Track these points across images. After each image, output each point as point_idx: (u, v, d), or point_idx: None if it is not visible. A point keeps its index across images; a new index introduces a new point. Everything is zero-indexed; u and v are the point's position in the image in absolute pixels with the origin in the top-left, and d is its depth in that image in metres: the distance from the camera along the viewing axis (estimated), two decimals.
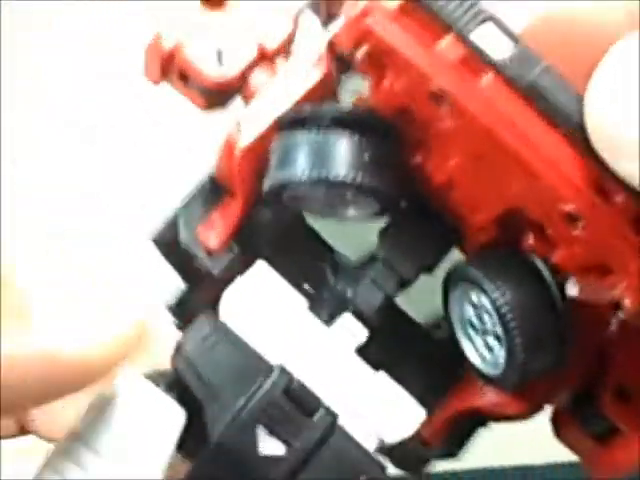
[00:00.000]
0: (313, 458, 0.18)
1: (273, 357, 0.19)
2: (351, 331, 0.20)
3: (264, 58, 0.20)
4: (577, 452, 0.20)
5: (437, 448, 0.21)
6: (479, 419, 0.21)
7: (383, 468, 0.19)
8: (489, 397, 0.19)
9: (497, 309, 0.17)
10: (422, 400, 0.20)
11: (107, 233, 0.55)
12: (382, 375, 0.20)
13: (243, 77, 0.20)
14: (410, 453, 0.21)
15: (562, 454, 0.20)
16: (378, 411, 0.19)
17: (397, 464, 0.21)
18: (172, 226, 0.20)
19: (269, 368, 0.19)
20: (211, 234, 0.20)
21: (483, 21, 0.16)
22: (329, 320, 0.19)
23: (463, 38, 0.16)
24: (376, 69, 0.17)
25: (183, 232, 0.20)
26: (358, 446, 0.19)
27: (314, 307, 0.20)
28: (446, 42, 0.16)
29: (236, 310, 0.19)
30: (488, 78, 0.16)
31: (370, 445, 0.19)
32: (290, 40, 0.20)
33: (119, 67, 0.57)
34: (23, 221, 0.53)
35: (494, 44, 0.16)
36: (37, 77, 0.57)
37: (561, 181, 0.16)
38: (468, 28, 0.16)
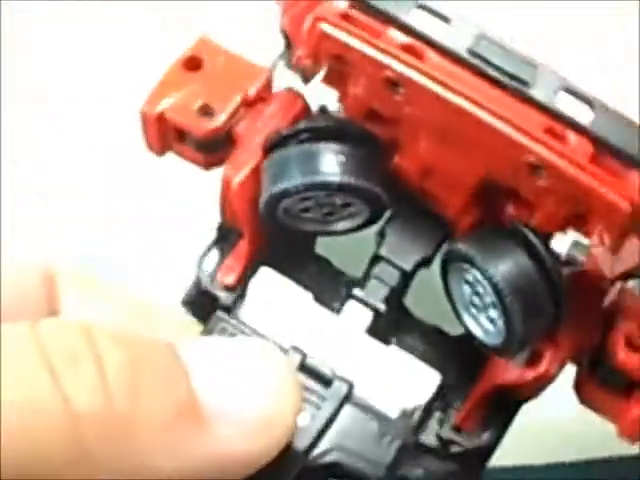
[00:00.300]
0: (334, 425, 0.20)
1: (285, 343, 0.20)
2: (357, 314, 0.21)
3: (247, 104, 0.22)
4: (602, 412, 0.22)
5: (474, 435, 0.21)
6: (509, 400, 0.21)
7: (405, 428, 0.20)
8: (510, 372, 0.21)
9: (488, 280, 0.19)
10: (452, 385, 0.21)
11: (108, 234, 0.57)
12: (393, 348, 0.21)
13: (230, 124, 0.22)
14: (448, 446, 0.21)
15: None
16: (393, 379, 0.21)
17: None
18: (197, 284, 0.22)
19: (282, 349, 0.20)
20: (228, 275, 0.22)
21: (417, 7, 0.18)
22: (337, 311, 0.21)
23: (404, 26, 0.18)
24: (339, 78, 0.19)
25: (205, 280, 0.22)
26: (377, 411, 0.20)
27: (320, 299, 0.21)
28: (390, 31, 0.18)
29: (248, 307, 0.21)
30: (431, 55, 0.18)
31: (391, 412, 0.20)
32: (269, 84, 0.22)
33: (120, 68, 0.57)
34: (23, 221, 0.54)
35: (431, 26, 0.18)
36: (37, 76, 0.57)
37: (516, 133, 0.18)
38: (405, 16, 0.18)
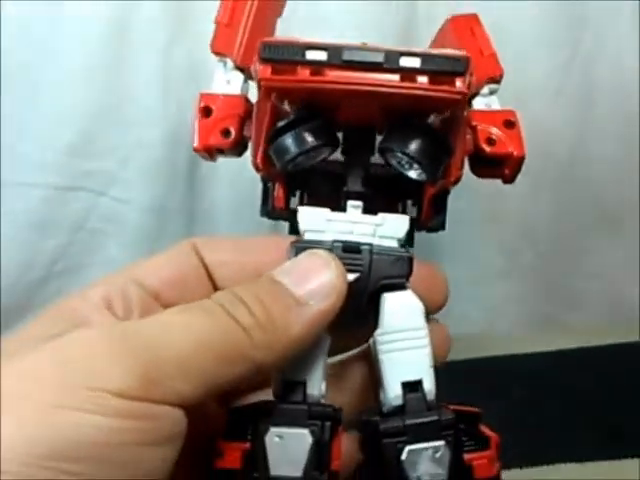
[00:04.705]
0: (372, 269, 0.32)
1: (329, 239, 0.33)
2: (354, 205, 0.34)
3: (243, 118, 0.35)
4: (489, 177, 0.36)
5: (433, 221, 0.36)
6: (439, 198, 0.35)
7: (404, 251, 0.33)
8: (439, 185, 0.34)
9: (407, 155, 0.31)
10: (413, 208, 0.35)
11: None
12: (380, 214, 0.34)
13: (240, 134, 0.35)
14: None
15: None
16: (387, 229, 0.33)
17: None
18: (267, 213, 0.37)
19: (329, 245, 0.32)
20: (279, 203, 0.35)
21: (307, 47, 0.29)
22: (344, 209, 0.34)
23: (307, 62, 0.29)
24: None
25: (271, 210, 0.36)
26: (388, 249, 0.33)
27: (333, 209, 0.34)
28: (299, 68, 0.29)
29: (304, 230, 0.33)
30: (327, 71, 0.29)
31: (394, 243, 0.33)
32: (247, 100, 0.36)
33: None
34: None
35: (319, 55, 0.29)
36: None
37: (382, 88, 0.29)
38: (303, 57, 0.29)
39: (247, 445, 0.31)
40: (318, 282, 0.30)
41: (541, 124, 0.58)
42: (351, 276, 0.32)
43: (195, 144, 0.35)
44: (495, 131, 0.35)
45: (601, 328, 0.62)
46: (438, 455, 0.31)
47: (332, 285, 0.30)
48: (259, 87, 0.30)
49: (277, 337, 0.29)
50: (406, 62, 0.29)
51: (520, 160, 0.34)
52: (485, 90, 0.37)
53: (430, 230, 0.36)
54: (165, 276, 0.35)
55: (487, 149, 0.35)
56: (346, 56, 0.29)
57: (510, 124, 0.35)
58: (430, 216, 0.35)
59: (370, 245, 0.33)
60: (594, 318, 0.64)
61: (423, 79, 0.29)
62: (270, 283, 0.30)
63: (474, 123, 0.35)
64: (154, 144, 0.56)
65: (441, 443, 0.31)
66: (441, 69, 0.29)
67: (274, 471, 0.30)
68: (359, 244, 0.33)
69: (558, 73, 0.58)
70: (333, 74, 0.29)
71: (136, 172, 0.57)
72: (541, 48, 0.58)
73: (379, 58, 0.29)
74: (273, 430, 0.31)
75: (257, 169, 0.33)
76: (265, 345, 0.28)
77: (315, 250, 0.32)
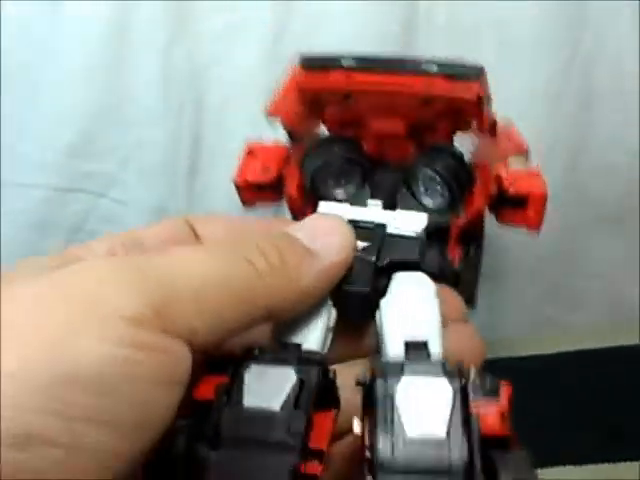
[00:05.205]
0: (383, 246, 0.34)
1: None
2: (374, 203, 0.36)
3: (283, 161, 0.39)
4: (514, 223, 0.37)
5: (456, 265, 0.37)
6: (469, 236, 0.37)
7: (419, 240, 0.35)
8: (462, 217, 0.36)
9: (436, 172, 0.36)
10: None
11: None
12: (398, 210, 0.36)
13: (279, 171, 0.39)
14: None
15: None
16: (403, 221, 0.35)
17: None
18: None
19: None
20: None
21: (347, 57, 0.35)
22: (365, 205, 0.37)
23: (342, 67, 0.35)
24: (316, 113, 0.38)
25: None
26: (403, 234, 0.35)
27: (353, 204, 0.37)
28: (331, 73, 0.35)
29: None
30: (357, 75, 0.35)
31: (410, 233, 0.35)
32: (288, 152, 0.40)
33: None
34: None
35: (349, 61, 0.35)
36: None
37: (405, 88, 0.34)
38: (337, 62, 0.35)
39: (226, 378, 0.29)
40: (330, 239, 0.32)
41: (541, 127, 0.58)
42: (362, 243, 0.34)
43: (235, 178, 0.39)
44: (516, 172, 0.36)
45: (601, 328, 0.63)
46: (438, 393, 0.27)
47: (342, 244, 0.32)
48: (296, 90, 0.35)
49: (289, 284, 0.29)
50: (426, 67, 0.33)
51: (543, 198, 0.35)
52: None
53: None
54: (165, 239, 0.35)
55: (510, 189, 0.35)
56: (372, 61, 0.34)
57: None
58: (457, 255, 0.36)
59: (383, 226, 0.35)
60: (594, 318, 0.64)
61: (441, 81, 0.33)
62: (285, 235, 0.31)
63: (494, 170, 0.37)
64: (154, 145, 0.56)
65: (443, 379, 0.27)
66: (458, 72, 0.33)
67: (248, 402, 0.28)
68: (374, 224, 0.35)
69: (558, 76, 0.58)
70: (361, 76, 0.34)
71: (136, 173, 0.57)
72: (541, 48, 0.58)
73: (402, 64, 0.34)
74: (255, 367, 0.29)
75: (290, 199, 0.37)
76: (277, 292, 0.29)
77: (325, 213, 0.35)
